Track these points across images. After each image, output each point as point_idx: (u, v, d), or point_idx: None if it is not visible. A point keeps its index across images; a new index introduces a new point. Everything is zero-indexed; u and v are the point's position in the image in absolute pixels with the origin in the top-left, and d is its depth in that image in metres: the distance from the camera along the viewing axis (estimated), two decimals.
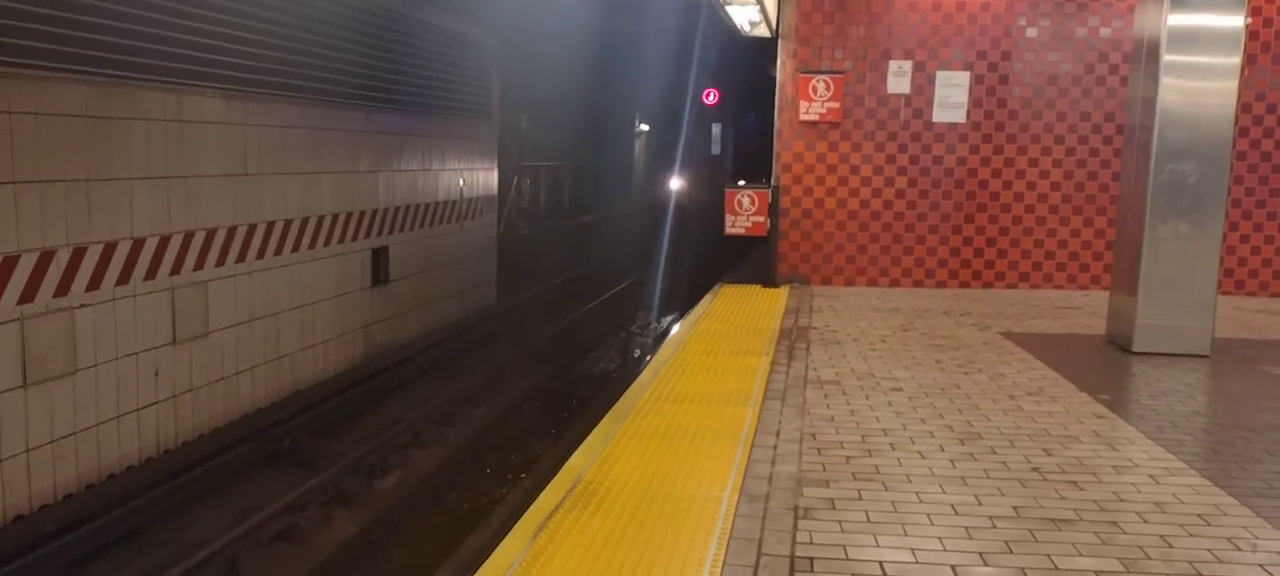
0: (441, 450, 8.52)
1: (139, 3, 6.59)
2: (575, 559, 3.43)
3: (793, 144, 10.39)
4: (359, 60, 9.65)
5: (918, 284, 10.50)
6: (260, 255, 8.15)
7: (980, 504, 4.10)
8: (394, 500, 7.43)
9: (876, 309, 9.11)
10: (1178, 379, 6.45)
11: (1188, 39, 6.92)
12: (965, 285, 10.50)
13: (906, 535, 3.75)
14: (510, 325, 13.16)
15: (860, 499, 4.13)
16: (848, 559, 3.53)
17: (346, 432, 8.54)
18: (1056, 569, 3.47)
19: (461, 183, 12.41)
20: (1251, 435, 5.21)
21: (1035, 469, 4.56)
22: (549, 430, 9.62)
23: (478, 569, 3.38)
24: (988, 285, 10.50)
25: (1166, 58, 6.93)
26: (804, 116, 10.28)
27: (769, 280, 10.33)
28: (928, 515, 3.96)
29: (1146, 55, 7.16)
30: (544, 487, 4.17)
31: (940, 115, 10.28)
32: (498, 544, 3.60)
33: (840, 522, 3.86)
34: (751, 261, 12.05)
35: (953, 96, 10.24)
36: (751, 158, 25.36)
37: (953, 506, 4.06)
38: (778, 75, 10.47)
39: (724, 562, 3.44)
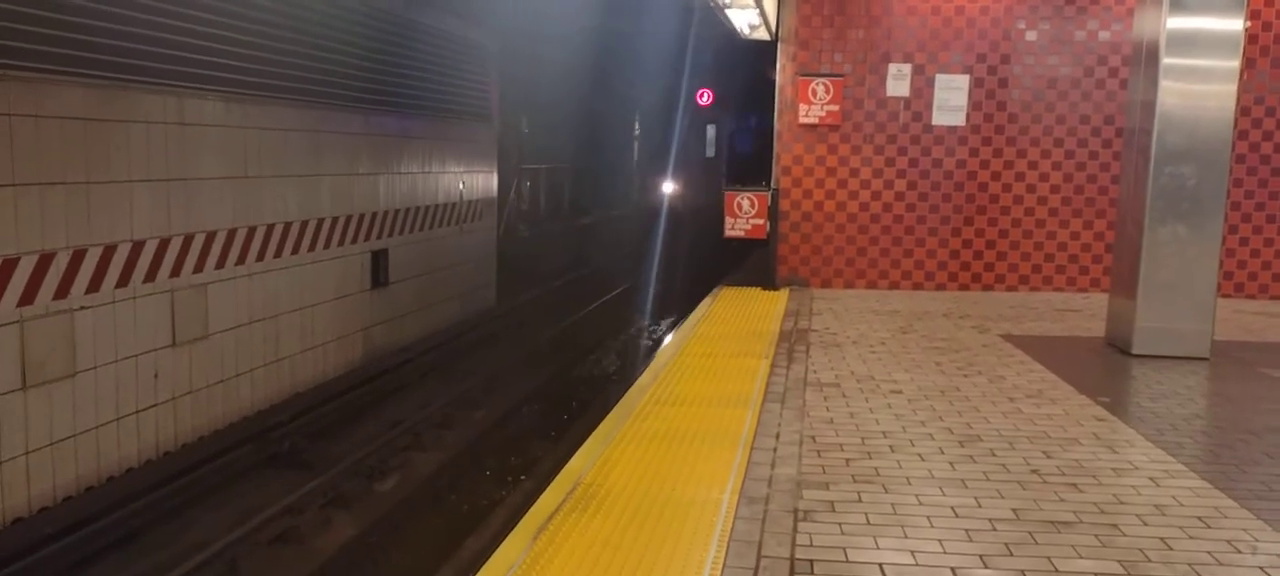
0: (441, 453, 8.52)
1: (139, 6, 6.59)
2: (575, 561, 3.43)
3: (792, 146, 10.40)
4: (359, 63, 9.66)
5: (917, 287, 10.51)
6: (260, 257, 8.15)
7: (980, 506, 4.10)
8: (393, 503, 7.42)
9: (876, 311, 9.11)
10: (1177, 381, 6.45)
11: (1187, 42, 6.93)
12: (965, 288, 10.50)
13: (906, 537, 3.75)
14: (510, 327, 13.16)
15: (860, 501, 4.13)
16: (848, 561, 3.53)
17: (346, 435, 8.53)
18: (1056, 571, 3.47)
19: (461, 185, 12.41)
20: (1251, 437, 5.22)
21: (1035, 471, 4.56)
22: (549, 432, 9.62)
23: (478, 571, 3.38)
24: (987, 288, 10.51)
25: (1166, 61, 6.94)
26: (804, 119, 10.28)
27: (768, 283, 10.33)
28: (927, 517, 3.96)
29: (1146, 58, 7.17)
30: (544, 490, 4.17)
31: (940, 118, 10.29)
32: (497, 546, 3.60)
33: (840, 525, 3.86)
34: (751, 264, 12.05)
35: (952, 99, 10.25)
36: (748, 161, 24.45)
37: (952, 508, 4.06)
38: (777, 78, 10.48)
39: (724, 565, 3.43)
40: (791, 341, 7.54)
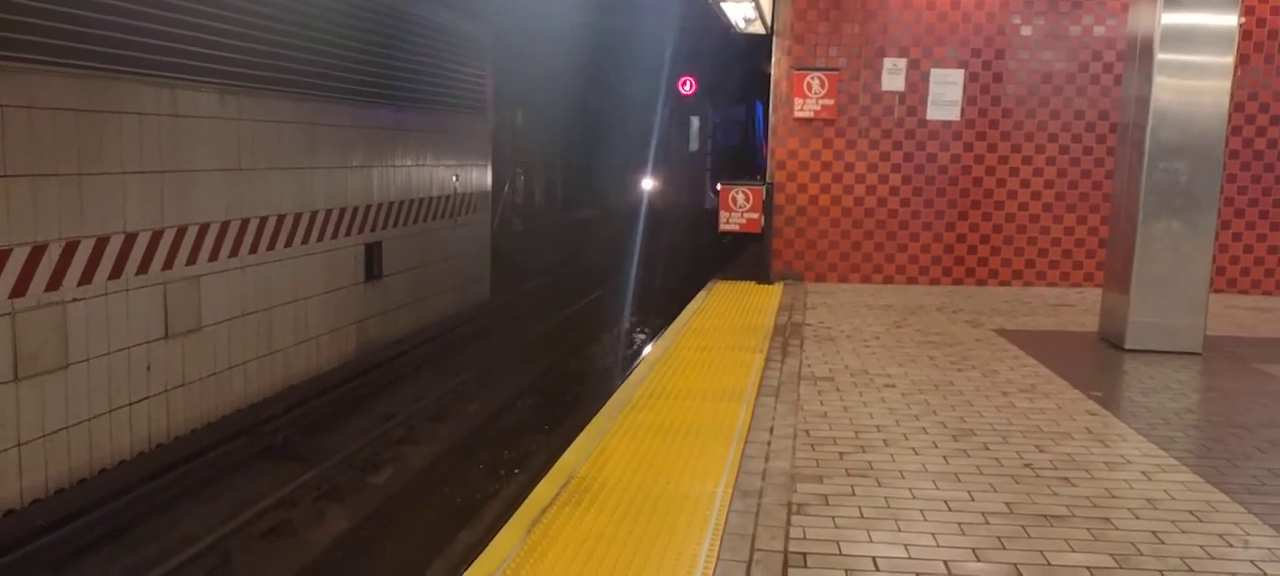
0: (435, 446, 8.52)
1: None
2: (569, 554, 3.43)
3: (787, 140, 10.40)
4: (353, 55, 9.64)
5: (911, 281, 10.52)
6: (253, 250, 8.13)
7: (973, 499, 4.11)
8: (387, 496, 7.43)
9: (870, 305, 9.12)
10: (1170, 376, 6.47)
11: (1182, 38, 6.94)
12: (959, 282, 10.51)
13: (900, 531, 3.76)
14: (504, 321, 13.15)
15: (853, 494, 4.14)
16: (841, 554, 3.53)
17: (340, 428, 8.53)
18: (1049, 564, 3.48)
19: (455, 178, 12.39)
20: (1243, 432, 5.23)
21: (1028, 465, 4.57)
22: (543, 426, 9.62)
23: (472, 564, 3.38)
24: (981, 282, 10.52)
25: (1160, 56, 6.94)
26: (799, 113, 10.27)
27: (763, 277, 10.33)
28: (921, 511, 3.96)
29: (1140, 54, 7.17)
30: (538, 483, 4.17)
31: (934, 113, 10.29)
32: (491, 539, 3.60)
33: (834, 518, 3.87)
34: (746, 258, 12.05)
35: (947, 94, 10.25)
36: (735, 155, 22.97)
37: (946, 502, 4.07)
38: (772, 72, 10.47)
39: (718, 558, 3.44)
40: (786, 335, 7.54)
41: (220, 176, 7.64)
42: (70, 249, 6.16)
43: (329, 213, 9.31)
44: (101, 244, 6.42)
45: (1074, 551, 3.59)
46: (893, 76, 10.26)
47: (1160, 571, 3.44)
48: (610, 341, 13.65)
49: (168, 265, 7.08)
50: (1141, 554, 3.59)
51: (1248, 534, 3.81)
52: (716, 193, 19.92)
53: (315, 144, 9.03)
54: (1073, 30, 10.16)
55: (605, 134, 22.77)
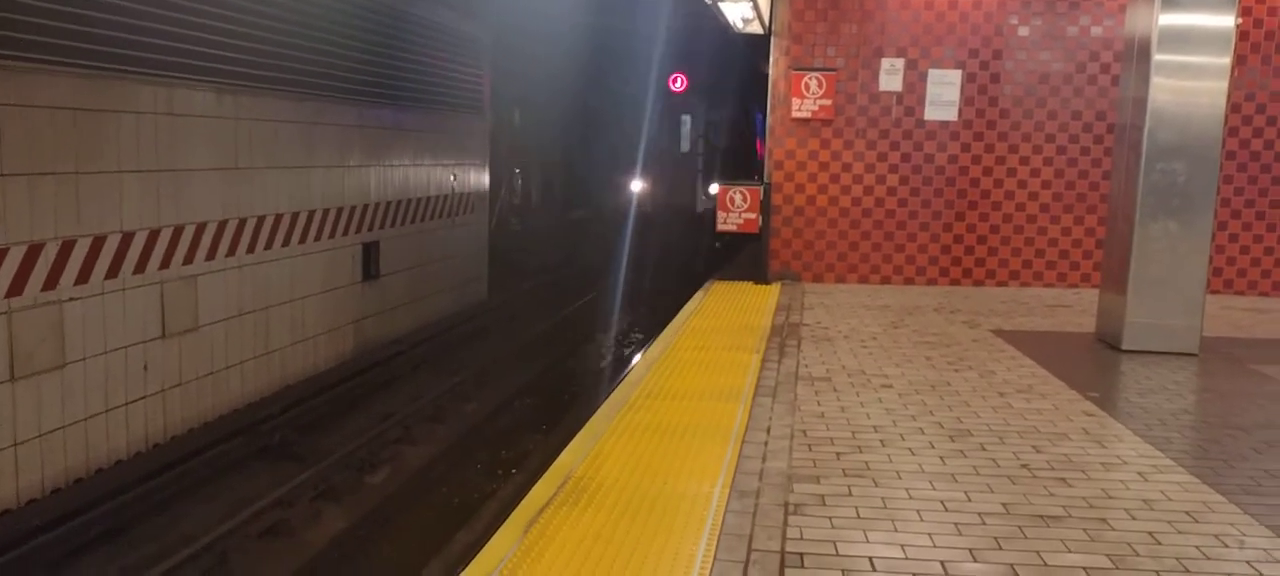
0: (432, 446, 8.52)
1: None
2: (566, 554, 3.43)
3: (785, 141, 10.40)
4: (351, 55, 9.63)
5: (909, 281, 10.52)
6: (250, 249, 8.13)
7: (970, 500, 4.11)
8: (384, 495, 7.42)
9: (867, 306, 9.13)
10: (1166, 377, 6.48)
11: (1179, 39, 6.95)
12: (956, 283, 10.52)
13: (896, 531, 3.76)
14: (502, 320, 13.15)
15: (850, 495, 4.14)
16: (838, 554, 3.53)
17: (337, 427, 8.52)
18: (1045, 565, 3.48)
19: (453, 178, 12.38)
20: (1239, 433, 5.24)
21: (1025, 465, 4.58)
22: (540, 426, 9.62)
23: (469, 564, 3.38)
24: (978, 283, 10.53)
25: (1157, 57, 6.95)
26: (796, 113, 10.28)
27: (760, 277, 10.33)
28: (918, 511, 3.97)
29: (1138, 54, 7.18)
30: (535, 483, 4.17)
31: (932, 113, 10.30)
32: (488, 539, 3.60)
33: (830, 518, 3.87)
34: (743, 258, 12.05)
35: (944, 94, 10.25)
36: (728, 156, 21.61)
37: (942, 502, 4.07)
38: (770, 72, 10.48)
39: (715, 558, 3.44)
40: (783, 336, 7.54)
41: (217, 176, 7.64)
42: (67, 248, 6.15)
43: (326, 212, 9.30)
44: (98, 243, 6.42)
45: (1070, 552, 3.59)
46: (890, 77, 10.26)
47: (1156, 572, 3.45)
48: (608, 340, 13.65)
49: (165, 264, 7.07)
50: (1138, 554, 3.59)
51: (1244, 535, 3.82)
52: (707, 196, 19.41)
53: (313, 143, 9.02)
54: (1070, 31, 10.17)
55: (602, 133, 21.94)
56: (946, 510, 3.99)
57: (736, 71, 20.08)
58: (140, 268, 6.82)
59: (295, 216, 8.78)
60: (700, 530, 3.67)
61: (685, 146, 22.75)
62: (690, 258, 17.18)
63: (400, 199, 10.86)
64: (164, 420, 7.15)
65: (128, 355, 6.75)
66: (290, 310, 8.80)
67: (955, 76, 10.23)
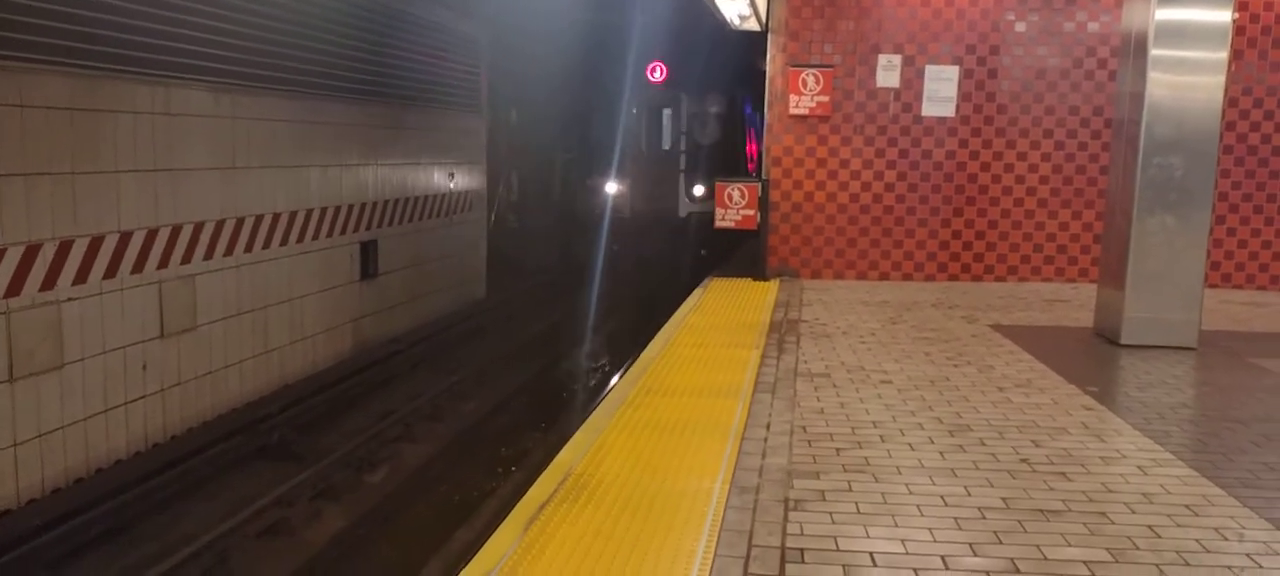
0: (431, 444, 8.52)
1: None
2: (567, 551, 3.43)
3: (782, 138, 10.40)
4: (348, 53, 9.62)
5: (907, 277, 10.53)
6: (248, 248, 8.12)
7: (969, 495, 4.11)
8: (384, 494, 7.42)
9: (866, 302, 9.13)
10: (1165, 371, 6.49)
11: (1176, 33, 6.95)
12: (954, 278, 10.53)
13: (896, 526, 3.77)
14: (500, 319, 13.14)
15: (850, 490, 4.14)
16: (838, 549, 3.54)
17: (336, 426, 8.52)
18: (1045, 559, 3.48)
19: (451, 176, 12.38)
20: (1238, 426, 5.25)
21: (1024, 460, 4.59)
22: (539, 424, 9.62)
23: (469, 561, 3.38)
24: (976, 278, 10.54)
25: (1154, 52, 6.95)
26: (794, 110, 10.28)
27: (759, 274, 10.34)
28: (917, 506, 3.97)
29: (1135, 49, 7.19)
30: (535, 480, 4.17)
31: (929, 109, 10.30)
32: (488, 537, 3.60)
33: (830, 514, 3.87)
34: (741, 255, 12.05)
35: (942, 90, 10.26)
36: (714, 154, 18.71)
37: (942, 497, 4.07)
38: (767, 69, 10.47)
39: (715, 554, 3.44)
40: (782, 332, 7.55)
41: (215, 175, 7.63)
42: (65, 248, 6.14)
43: (324, 211, 9.29)
44: (96, 243, 6.41)
45: (1070, 546, 3.60)
46: (888, 73, 10.27)
47: (1156, 565, 3.46)
48: (607, 338, 13.65)
49: (163, 264, 7.06)
50: (1138, 548, 3.60)
51: (1243, 527, 3.83)
52: (691, 198, 17.92)
53: (310, 142, 9.01)
54: (1067, 26, 10.18)
55: (595, 130, 20.56)
56: (946, 505, 3.99)
57: (723, 60, 18.61)
58: (138, 267, 6.82)
59: (293, 215, 8.77)
60: (701, 526, 3.67)
61: (666, 144, 19.88)
62: (672, 271, 15.52)
63: (398, 197, 10.86)
64: (163, 419, 7.15)
65: (126, 355, 6.74)
66: (289, 309, 8.79)
67: (953, 72, 10.24)
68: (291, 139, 8.71)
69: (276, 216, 8.50)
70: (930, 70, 10.24)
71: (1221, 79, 6.96)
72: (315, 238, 9.17)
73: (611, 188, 18.68)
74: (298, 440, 7.89)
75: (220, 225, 7.72)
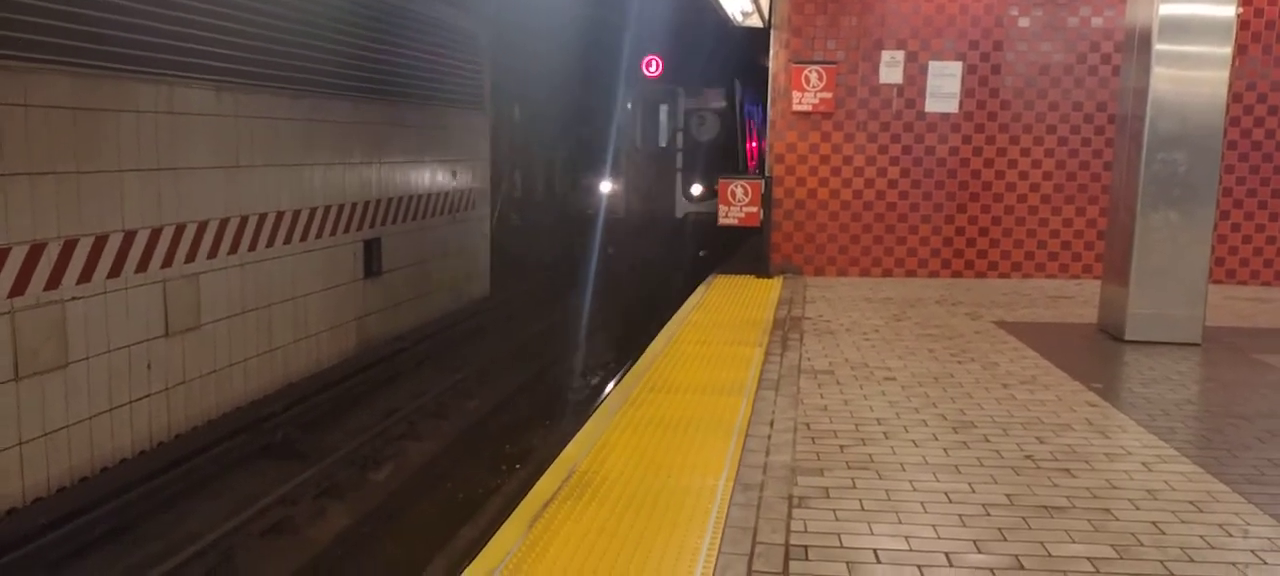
0: (436, 442, 8.53)
1: None
2: (571, 548, 3.44)
3: (785, 134, 10.39)
4: (351, 51, 9.62)
5: (910, 274, 10.52)
6: (252, 247, 8.13)
7: (974, 491, 4.11)
8: (388, 492, 7.43)
9: (869, 299, 9.13)
10: (1169, 367, 6.48)
11: (1180, 28, 6.93)
12: (958, 275, 10.52)
13: (900, 523, 3.77)
14: (504, 317, 13.15)
15: (854, 487, 4.14)
16: (842, 546, 3.54)
17: (340, 425, 8.53)
18: (1050, 555, 3.48)
19: (454, 174, 12.38)
20: (1242, 422, 5.24)
21: (1028, 456, 4.58)
22: (543, 421, 9.63)
23: (474, 558, 3.38)
24: (980, 275, 10.52)
25: (1158, 47, 6.94)
26: (797, 107, 10.27)
27: (762, 270, 10.33)
28: (921, 503, 3.97)
29: (1138, 45, 7.17)
30: (539, 478, 4.18)
31: (933, 105, 10.28)
32: (493, 534, 3.61)
33: (835, 511, 3.87)
34: (745, 252, 12.04)
35: (945, 86, 10.24)
36: (712, 152, 17.43)
37: (946, 494, 4.07)
38: (771, 65, 10.46)
39: (719, 551, 3.44)
40: (785, 329, 7.55)
41: (218, 173, 7.64)
42: (69, 247, 6.16)
43: (328, 209, 9.30)
44: (100, 242, 6.42)
45: (1075, 542, 3.60)
46: (891, 69, 10.25)
47: (1161, 562, 3.45)
48: (610, 336, 13.65)
49: (167, 263, 7.07)
50: (1142, 544, 3.59)
51: (1248, 524, 3.82)
52: (689, 198, 17.41)
53: (313, 140, 9.02)
54: (1070, 22, 10.16)
55: (592, 127, 19.57)
56: (950, 501, 3.99)
57: (722, 54, 17.58)
58: (142, 266, 6.83)
59: (297, 214, 8.78)
60: (705, 523, 3.68)
61: (662, 141, 18.78)
62: (669, 273, 14.86)
63: (402, 195, 10.86)
64: (168, 418, 7.16)
65: (131, 354, 6.75)
66: (293, 307, 8.80)
67: (956, 68, 10.22)
68: (295, 137, 8.71)
69: (280, 215, 8.51)
70: (933, 66, 10.22)
71: (1226, 74, 6.94)
72: (319, 236, 9.17)
73: (605, 187, 17.85)
74: (302, 438, 7.91)
75: (224, 224, 7.73)
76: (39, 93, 5.87)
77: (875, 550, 3.51)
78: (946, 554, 3.48)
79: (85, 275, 6.30)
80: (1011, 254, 10.51)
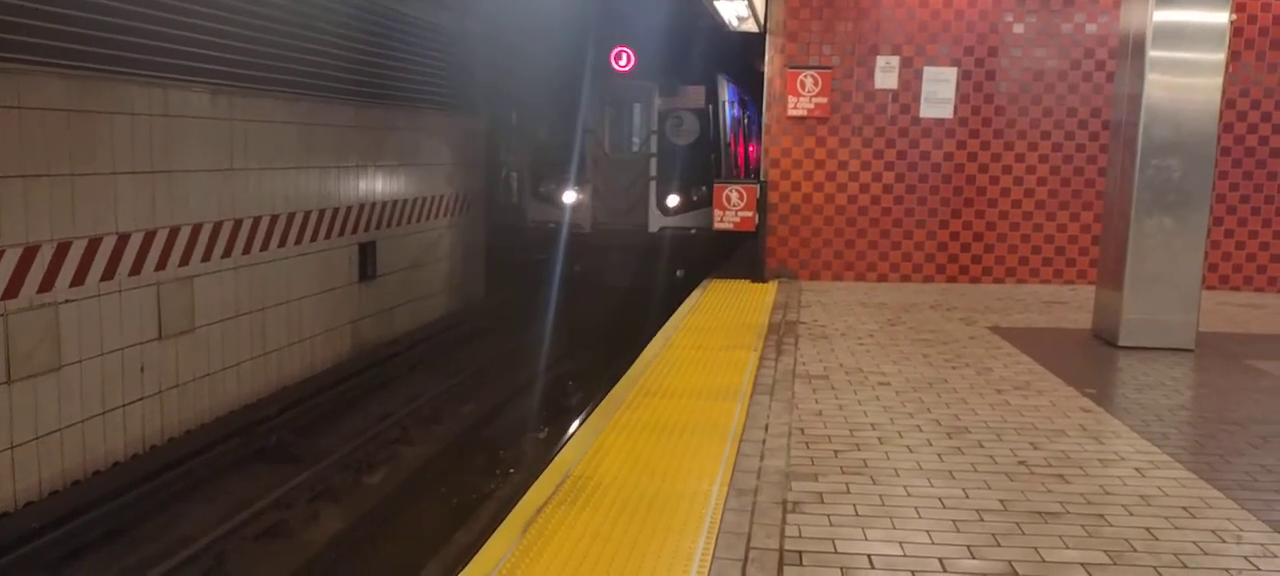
0: (430, 446, 8.51)
1: None
2: (565, 553, 3.43)
3: (780, 139, 10.40)
4: (346, 55, 9.61)
5: (905, 279, 10.53)
6: (247, 250, 8.11)
7: (967, 497, 4.12)
8: (382, 496, 7.41)
9: (864, 304, 9.13)
10: (1163, 373, 6.49)
11: (1173, 35, 6.96)
12: (952, 280, 10.53)
13: (894, 528, 3.77)
14: (499, 320, 13.13)
15: (848, 492, 4.14)
16: (836, 552, 3.54)
17: (334, 428, 8.51)
18: (1043, 561, 3.49)
19: (449, 177, 12.37)
20: (1235, 428, 5.25)
21: (1022, 462, 4.59)
22: (538, 425, 9.61)
23: (467, 564, 3.38)
24: (975, 280, 10.54)
25: (1152, 53, 6.96)
26: (792, 111, 10.28)
27: (757, 275, 10.34)
28: (915, 508, 3.97)
29: (1132, 51, 7.19)
30: (533, 482, 4.17)
31: (928, 111, 10.31)
32: (487, 539, 3.60)
33: (829, 516, 3.87)
34: (740, 256, 12.04)
35: (940, 92, 10.27)
36: (691, 157, 15.12)
37: (940, 499, 4.08)
38: (766, 70, 10.48)
39: (713, 556, 3.44)
40: (780, 333, 7.55)
41: (213, 176, 7.62)
42: (62, 250, 6.14)
43: (322, 212, 9.29)
44: (94, 245, 6.40)
45: (1068, 548, 3.60)
46: (886, 74, 10.27)
47: (1154, 568, 3.46)
48: (606, 340, 13.62)
49: (161, 266, 7.05)
50: (1135, 550, 3.60)
51: (1241, 530, 3.83)
52: (664, 210, 15.94)
53: (308, 144, 9.01)
54: (1065, 28, 10.19)
55: (555, 130, 17.62)
56: (944, 507, 3.99)
57: (704, 38, 15.75)
58: (136, 269, 6.81)
59: (291, 217, 8.76)
60: (699, 528, 3.67)
61: (635, 145, 16.75)
62: (645, 300, 13.45)
63: (397, 199, 10.85)
64: (161, 422, 7.14)
65: (124, 357, 6.73)
66: (287, 311, 8.78)
67: (951, 74, 10.24)
68: (289, 140, 8.70)
69: (274, 218, 8.50)
70: (928, 72, 10.25)
71: (1219, 81, 6.97)
72: (314, 239, 9.16)
73: (569, 197, 15.60)
74: (296, 442, 7.89)
75: (218, 227, 7.71)
76: (33, 95, 5.86)
77: (869, 555, 3.51)
78: (940, 559, 3.48)
79: (79, 278, 6.28)
80: (1006, 259, 10.53)
